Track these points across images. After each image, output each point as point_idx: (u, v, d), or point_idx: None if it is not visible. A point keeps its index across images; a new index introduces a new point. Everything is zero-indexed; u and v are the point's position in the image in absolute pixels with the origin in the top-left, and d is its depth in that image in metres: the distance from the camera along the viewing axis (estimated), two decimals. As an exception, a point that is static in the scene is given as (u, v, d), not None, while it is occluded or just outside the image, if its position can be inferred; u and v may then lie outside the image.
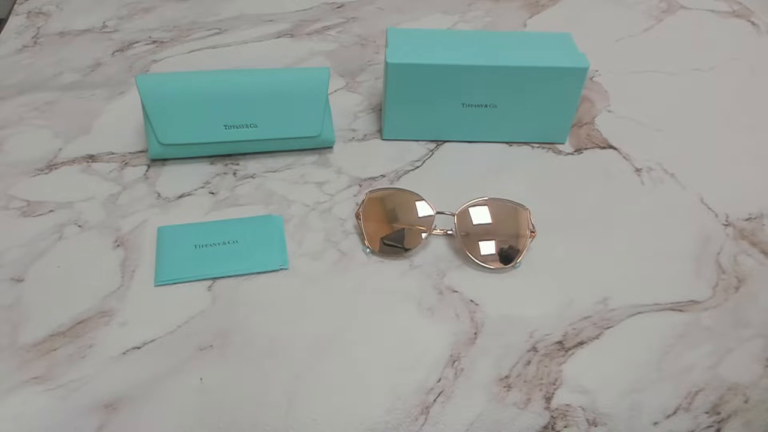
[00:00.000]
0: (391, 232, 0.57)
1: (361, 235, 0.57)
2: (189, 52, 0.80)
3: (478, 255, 0.55)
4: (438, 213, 0.57)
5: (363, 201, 0.58)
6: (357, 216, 0.57)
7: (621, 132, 0.70)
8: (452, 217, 0.57)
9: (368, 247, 0.56)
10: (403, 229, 0.57)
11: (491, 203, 0.57)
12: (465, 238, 0.56)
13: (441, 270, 0.56)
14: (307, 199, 0.61)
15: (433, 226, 0.57)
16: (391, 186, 0.63)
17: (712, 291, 0.55)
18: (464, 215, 0.57)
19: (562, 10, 0.90)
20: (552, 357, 0.50)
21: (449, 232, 0.57)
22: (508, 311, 0.53)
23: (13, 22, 0.84)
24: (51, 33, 0.82)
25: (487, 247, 0.56)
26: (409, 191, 0.58)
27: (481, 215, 0.57)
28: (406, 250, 0.56)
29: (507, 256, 0.56)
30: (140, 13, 0.86)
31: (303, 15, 0.87)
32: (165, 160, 0.65)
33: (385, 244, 0.56)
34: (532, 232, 0.56)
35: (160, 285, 0.53)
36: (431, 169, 0.65)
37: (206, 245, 0.56)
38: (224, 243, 0.56)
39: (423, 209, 0.57)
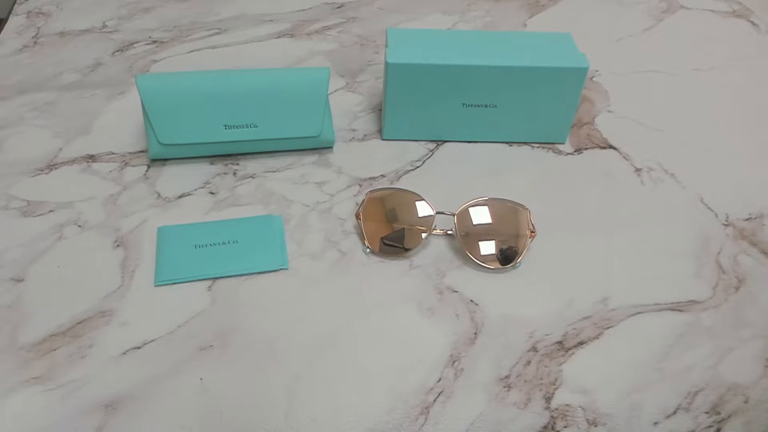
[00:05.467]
0: (391, 232, 0.57)
1: (361, 235, 0.57)
2: (189, 52, 0.80)
3: (478, 255, 0.55)
4: (438, 213, 0.57)
5: (363, 201, 0.58)
6: (357, 216, 0.57)
7: (621, 132, 0.70)
8: (452, 217, 0.57)
9: (368, 247, 0.56)
10: (403, 229, 0.57)
11: (491, 203, 0.57)
12: (465, 238, 0.56)
13: (441, 270, 0.56)
14: (307, 199, 0.61)
15: (433, 226, 0.57)
16: (391, 186, 0.63)
17: (712, 291, 0.55)
18: (464, 215, 0.57)
19: (562, 10, 0.90)
20: (552, 357, 0.50)
21: (449, 232, 0.57)
22: (508, 311, 0.53)
23: (13, 22, 0.84)
24: (51, 33, 0.82)
25: (487, 247, 0.56)
26: (409, 191, 0.58)
27: (481, 215, 0.57)
28: (406, 250, 0.56)
29: (507, 256, 0.56)
30: (140, 13, 0.86)
31: (303, 15, 0.87)
32: (165, 160, 0.65)
33: (385, 244, 0.56)
34: (532, 232, 0.56)
35: (160, 285, 0.53)
36: (431, 169, 0.65)
37: (206, 245, 0.56)
38: (224, 243, 0.56)
39: (423, 209, 0.57)
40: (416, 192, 0.58)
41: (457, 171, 0.65)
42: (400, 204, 0.58)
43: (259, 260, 0.55)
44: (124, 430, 0.45)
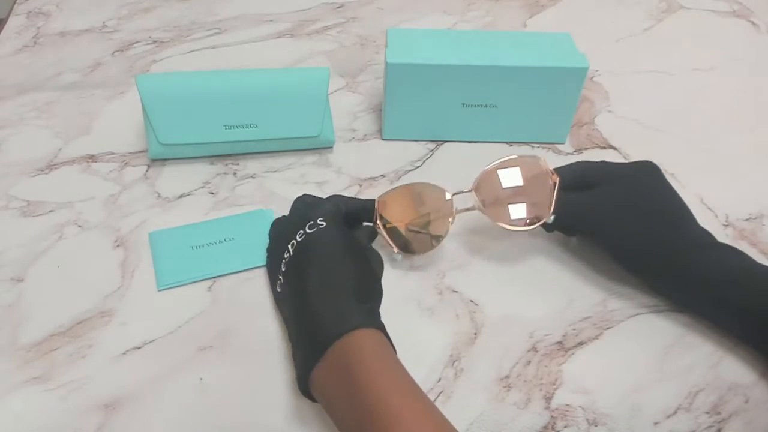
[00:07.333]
0: (414, 227, 0.54)
1: (387, 243, 0.54)
2: (189, 52, 0.80)
3: (508, 221, 0.53)
4: (455, 194, 0.54)
5: (375, 209, 0.54)
6: (376, 225, 0.53)
7: (621, 132, 0.70)
8: (470, 193, 0.54)
9: (400, 253, 0.53)
10: (429, 221, 0.54)
11: (503, 165, 0.54)
12: (490, 207, 0.53)
13: (441, 270, 0.56)
14: (307, 199, 0.61)
15: (454, 209, 0.54)
16: (397, 185, 0.61)
17: (712, 291, 0.55)
18: (483, 184, 0.54)
19: (562, 10, 0.90)
20: (552, 357, 0.50)
21: (471, 208, 0.54)
22: (508, 311, 0.53)
23: (13, 22, 0.84)
24: (51, 33, 0.82)
25: (516, 210, 0.53)
26: (419, 183, 0.55)
27: (497, 181, 0.54)
28: (436, 238, 0.54)
29: (537, 215, 0.53)
30: (140, 13, 0.86)
31: (303, 15, 0.87)
32: (165, 160, 0.64)
33: (411, 232, 0.53)
34: (554, 175, 0.53)
35: (163, 290, 0.53)
36: (431, 169, 0.65)
37: (203, 245, 0.56)
38: (221, 241, 0.56)
39: (439, 197, 0.54)
40: (427, 182, 0.55)
41: (457, 171, 0.65)
42: (414, 199, 0.55)
43: (258, 254, 0.55)
44: (124, 430, 0.45)
